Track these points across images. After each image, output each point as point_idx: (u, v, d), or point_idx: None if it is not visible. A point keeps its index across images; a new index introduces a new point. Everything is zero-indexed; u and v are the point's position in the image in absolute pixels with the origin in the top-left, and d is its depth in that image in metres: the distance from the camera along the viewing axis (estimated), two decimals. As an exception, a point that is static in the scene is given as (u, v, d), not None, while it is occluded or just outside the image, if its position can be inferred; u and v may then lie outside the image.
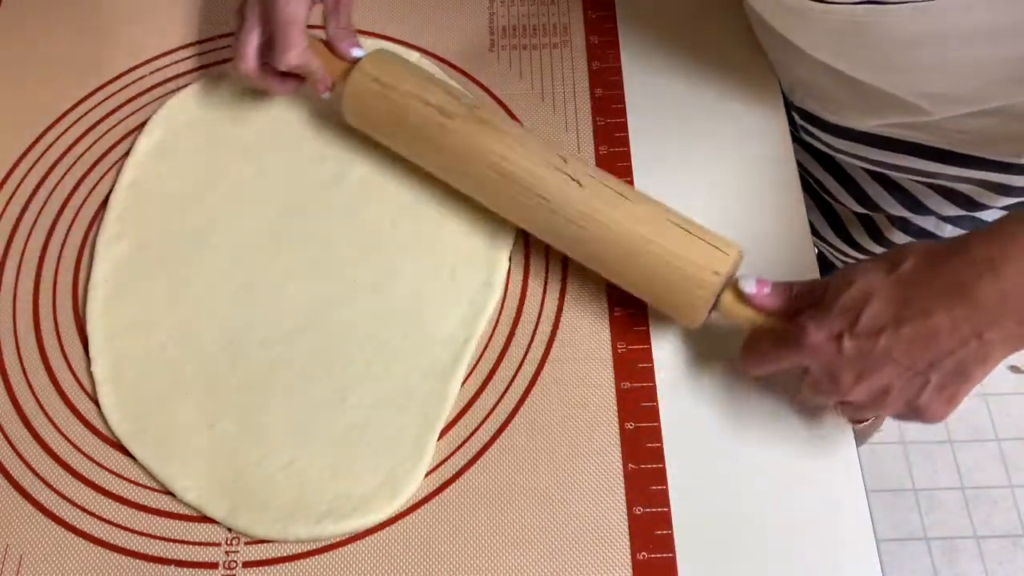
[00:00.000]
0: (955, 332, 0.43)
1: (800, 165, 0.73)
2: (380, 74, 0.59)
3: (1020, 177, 0.62)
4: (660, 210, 0.54)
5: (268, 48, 0.59)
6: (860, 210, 0.73)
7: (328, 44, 0.61)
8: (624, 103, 0.66)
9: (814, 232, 0.79)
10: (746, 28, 0.69)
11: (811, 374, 0.49)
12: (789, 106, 0.68)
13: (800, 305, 0.50)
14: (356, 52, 0.60)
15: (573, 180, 0.54)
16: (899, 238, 0.70)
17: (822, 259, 0.82)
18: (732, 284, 0.52)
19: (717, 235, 0.53)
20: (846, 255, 0.78)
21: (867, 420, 0.50)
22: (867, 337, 0.45)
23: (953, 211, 0.66)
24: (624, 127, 0.65)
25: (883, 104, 0.59)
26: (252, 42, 0.58)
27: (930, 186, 0.67)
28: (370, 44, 0.69)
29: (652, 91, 0.67)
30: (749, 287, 0.51)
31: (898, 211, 0.69)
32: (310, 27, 0.61)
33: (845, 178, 0.71)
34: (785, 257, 0.60)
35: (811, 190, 0.76)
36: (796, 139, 0.72)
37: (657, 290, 0.54)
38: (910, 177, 0.67)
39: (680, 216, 0.54)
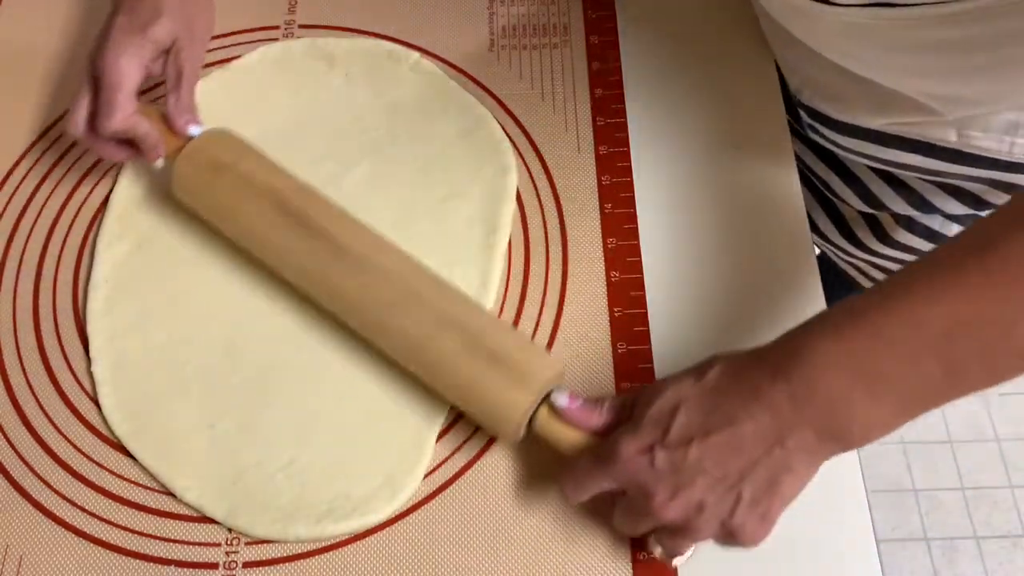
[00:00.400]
0: (759, 440, 0.43)
1: (804, 164, 0.72)
2: (216, 153, 0.57)
3: None
4: (486, 320, 0.52)
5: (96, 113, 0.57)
6: (865, 209, 0.73)
7: (166, 120, 0.59)
8: (624, 103, 0.66)
9: (818, 233, 0.79)
10: (746, 28, 0.69)
11: (627, 495, 0.47)
12: (796, 104, 0.68)
13: (615, 420, 0.48)
14: (192, 129, 0.59)
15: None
16: (904, 237, 0.70)
17: (826, 260, 0.82)
18: (547, 402, 0.49)
19: (529, 360, 0.50)
20: (851, 255, 0.78)
21: (684, 553, 0.49)
22: (677, 448, 0.44)
23: (960, 209, 0.66)
24: (624, 127, 0.65)
25: (893, 103, 0.59)
26: (82, 106, 0.57)
27: (937, 184, 0.67)
28: (371, 43, 0.69)
29: (652, 91, 0.67)
30: (561, 401, 0.49)
31: (904, 209, 0.69)
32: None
33: (850, 176, 0.71)
34: (785, 256, 0.60)
35: (815, 190, 0.76)
36: (801, 137, 0.72)
37: (469, 411, 0.52)
38: (917, 175, 0.67)
39: (500, 336, 0.51)
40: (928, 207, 0.68)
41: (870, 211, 0.73)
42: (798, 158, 0.71)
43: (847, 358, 0.42)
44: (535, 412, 0.49)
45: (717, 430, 0.43)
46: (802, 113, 0.68)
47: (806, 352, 0.42)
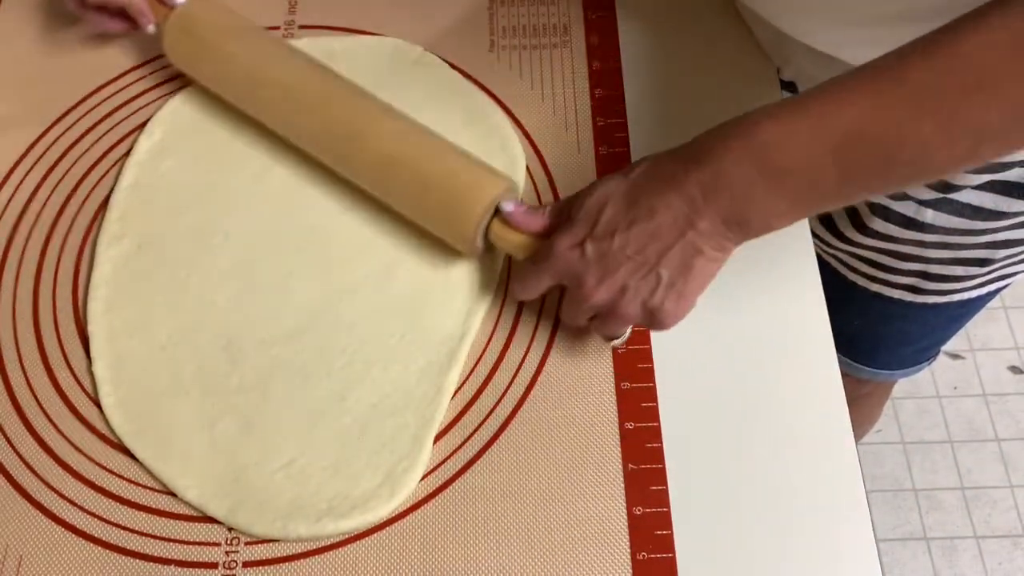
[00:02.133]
0: (674, 225, 0.48)
1: None
2: (196, 20, 0.63)
3: None
4: (444, 143, 0.58)
5: None
6: None
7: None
8: (624, 103, 0.66)
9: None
10: (746, 29, 0.69)
11: (566, 289, 0.52)
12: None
13: (555, 222, 0.53)
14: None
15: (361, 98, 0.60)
16: (881, 226, 0.70)
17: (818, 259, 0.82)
18: (497, 212, 0.55)
19: (491, 168, 0.57)
20: (832, 246, 0.78)
21: (619, 336, 0.55)
22: (603, 239, 0.49)
23: (929, 195, 0.66)
24: (624, 127, 0.65)
25: None
26: None
27: None
28: (373, 40, 0.69)
29: (652, 91, 0.67)
30: (507, 207, 0.54)
31: (877, 198, 0.69)
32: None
33: None
34: (785, 251, 0.60)
35: None
36: None
37: (429, 212, 0.57)
38: None
39: (461, 150, 0.57)
40: (898, 194, 0.68)
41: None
42: None
43: (754, 153, 0.46)
44: (489, 223, 0.55)
45: (638, 220, 0.49)
46: (783, 95, 0.68)
47: (719, 147, 0.48)
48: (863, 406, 1.05)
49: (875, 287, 0.77)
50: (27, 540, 0.52)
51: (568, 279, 0.52)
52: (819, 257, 0.82)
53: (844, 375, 0.84)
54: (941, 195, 0.66)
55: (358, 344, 0.56)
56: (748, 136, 0.47)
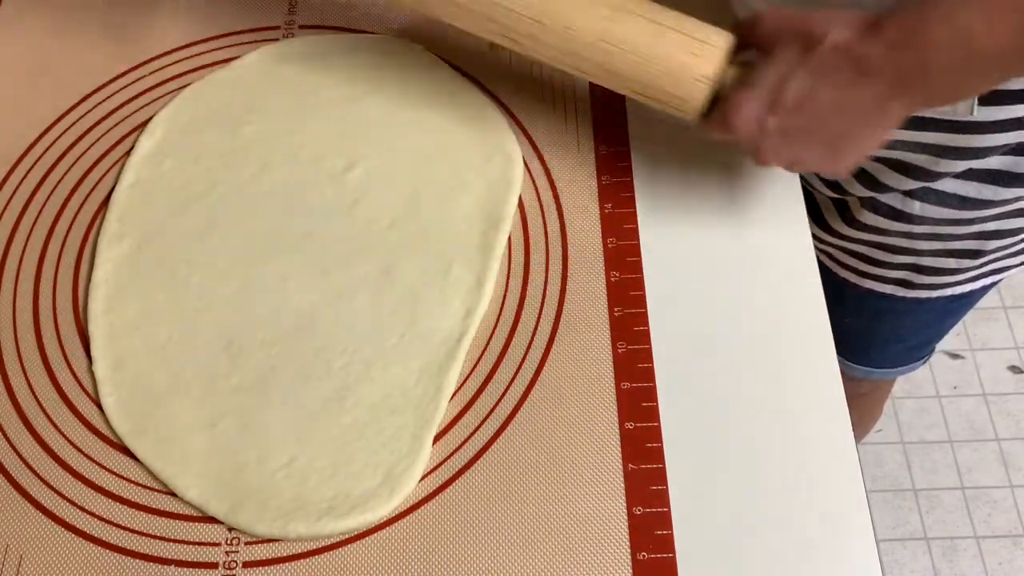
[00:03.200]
0: (863, 111, 0.49)
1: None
2: None
3: (970, 136, 0.61)
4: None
5: None
6: (831, 194, 0.73)
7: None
8: (624, 102, 0.66)
9: None
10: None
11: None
12: None
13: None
14: None
15: None
16: (869, 218, 0.70)
17: None
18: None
19: (703, 25, 0.55)
20: (822, 241, 0.78)
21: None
22: (787, 114, 0.50)
23: (911, 184, 0.66)
24: (624, 127, 0.65)
25: None
26: None
27: (884, 161, 0.66)
28: (373, 39, 0.69)
29: (652, 91, 0.67)
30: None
31: (862, 192, 0.69)
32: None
33: None
34: (786, 251, 0.60)
35: None
36: None
37: (652, 72, 0.54)
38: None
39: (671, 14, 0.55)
40: (881, 187, 0.68)
41: (834, 196, 0.73)
42: None
43: (960, 38, 0.46)
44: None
45: (825, 100, 0.49)
46: None
47: (920, 31, 0.47)
48: (861, 406, 1.05)
49: (867, 283, 0.77)
50: (27, 540, 0.52)
51: (745, 143, 0.52)
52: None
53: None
54: (924, 184, 0.66)
55: (358, 344, 0.56)
56: (951, 21, 0.46)
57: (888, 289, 0.76)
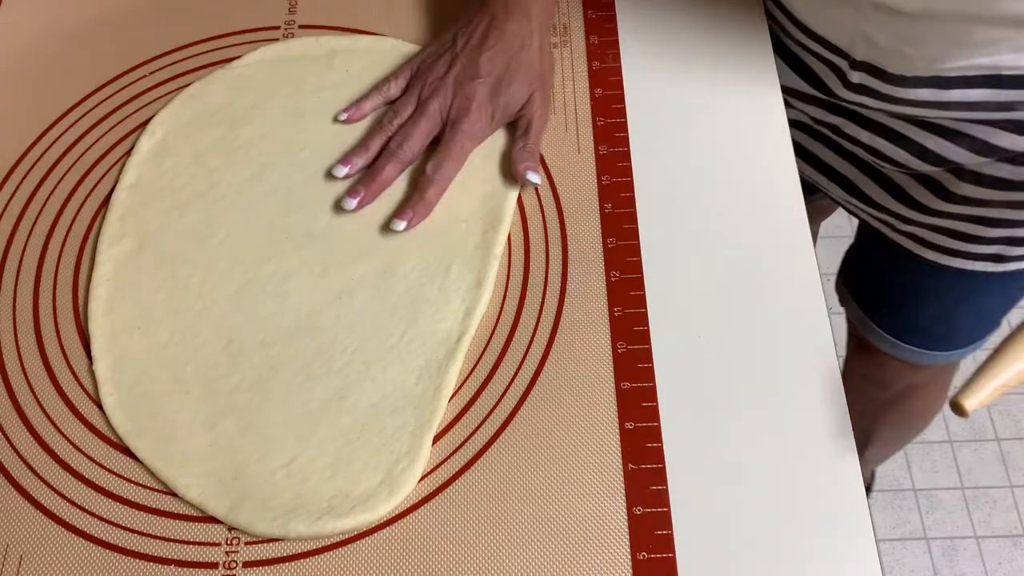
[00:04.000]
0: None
1: (846, 135, 0.70)
2: None
3: None
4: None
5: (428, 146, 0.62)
6: (923, 168, 0.69)
7: (507, 161, 0.63)
8: (624, 103, 0.66)
9: (872, 203, 0.76)
10: (748, 28, 0.69)
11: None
12: (840, 69, 0.65)
13: None
14: (532, 176, 0.61)
15: None
16: (971, 191, 0.67)
17: (873, 236, 0.79)
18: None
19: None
20: (910, 221, 0.74)
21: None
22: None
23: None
24: (624, 127, 0.65)
25: (970, 35, 0.57)
26: (422, 131, 0.61)
27: (1001, 124, 0.63)
28: (372, 40, 0.69)
29: (652, 91, 0.67)
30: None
31: (965, 159, 0.66)
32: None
33: (900, 138, 0.68)
34: (786, 253, 0.60)
35: (860, 161, 0.73)
36: (837, 108, 0.70)
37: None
38: (980, 116, 0.63)
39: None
40: (996, 151, 0.65)
41: (927, 171, 0.70)
42: (836, 131, 0.70)
43: None
44: None
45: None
46: (852, 75, 0.65)
47: None
48: (926, 395, 0.99)
49: (956, 262, 0.74)
50: (27, 540, 0.52)
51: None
52: (886, 240, 0.79)
53: (898, 364, 0.80)
54: None
55: (358, 344, 0.56)
56: None
57: (979, 266, 0.74)
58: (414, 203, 0.60)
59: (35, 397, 0.56)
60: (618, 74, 0.68)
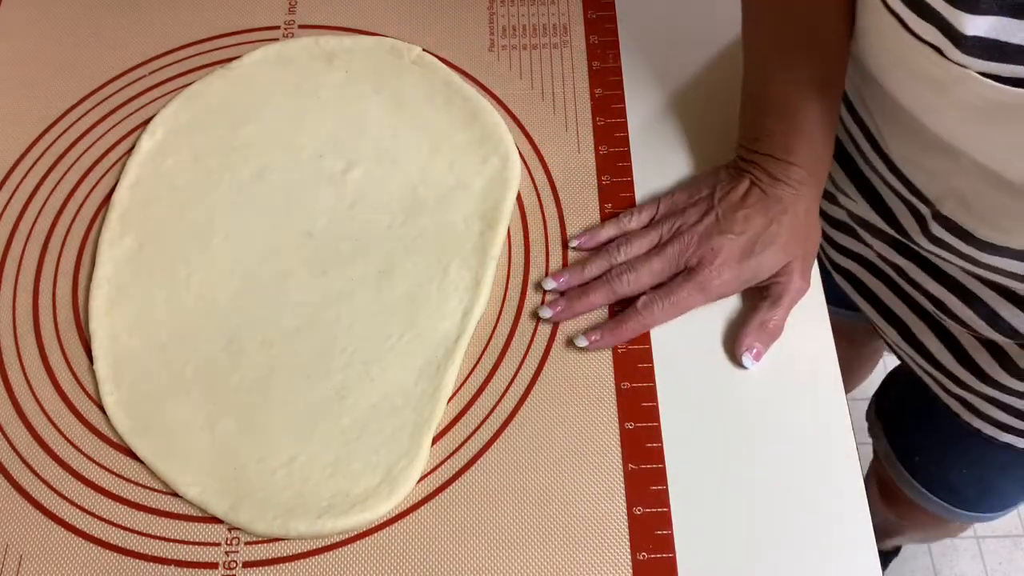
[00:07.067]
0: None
1: (911, 281, 0.65)
2: None
3: None
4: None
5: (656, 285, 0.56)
6: (991, 335, 0.62)
7: (746, 326, 0.56)
8: (624, 103, 0.66)
9: (930, 360, 0.69)
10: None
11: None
12: (923, 217, 0.59)
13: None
14: (748, 361, 0.55)
15: None
16: None
17: (921, 391, 0.72)
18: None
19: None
20: (967, 387, 0.67)
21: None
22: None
23: None
24: (624, 127, 0.65)
25: None
26: (653, 270, 0.56)
27: None
28: (372, 41, 0.69)
29: (652, 91, 0.67)
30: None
31: None
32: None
33: (971, 297, 0.61)
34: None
35: (923, 312, 0.67)
36: (907, 251, 0.64)
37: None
38: None
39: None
40: None
41: (996, 339, 0.62)
42: (902, 274, 0.65)
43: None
44: None
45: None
46: (933, 226, 0.58)
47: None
48: (946, 530, 0.95)
49: (1007, 437, 0.68)
50: (27, 540, 0.52)
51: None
52: (936, 397, 0.71)
53: (920, 509, 0.75)
54: None
55: (357, 344, 0.56)
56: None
57: None
58: (608, 328, 0.56)
59: (35, 397, 0.56)
60: (618, 74, 0.68)
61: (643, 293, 0.56)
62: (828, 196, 0.70)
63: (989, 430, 0.69)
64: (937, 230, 0.58)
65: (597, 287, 0.56)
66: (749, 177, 0.57)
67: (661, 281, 0.56)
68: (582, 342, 0.56)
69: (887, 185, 0.61)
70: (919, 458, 0.81)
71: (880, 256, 0.68)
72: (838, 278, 0.75)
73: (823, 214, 0.71)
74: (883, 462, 0.86)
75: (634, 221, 0.59)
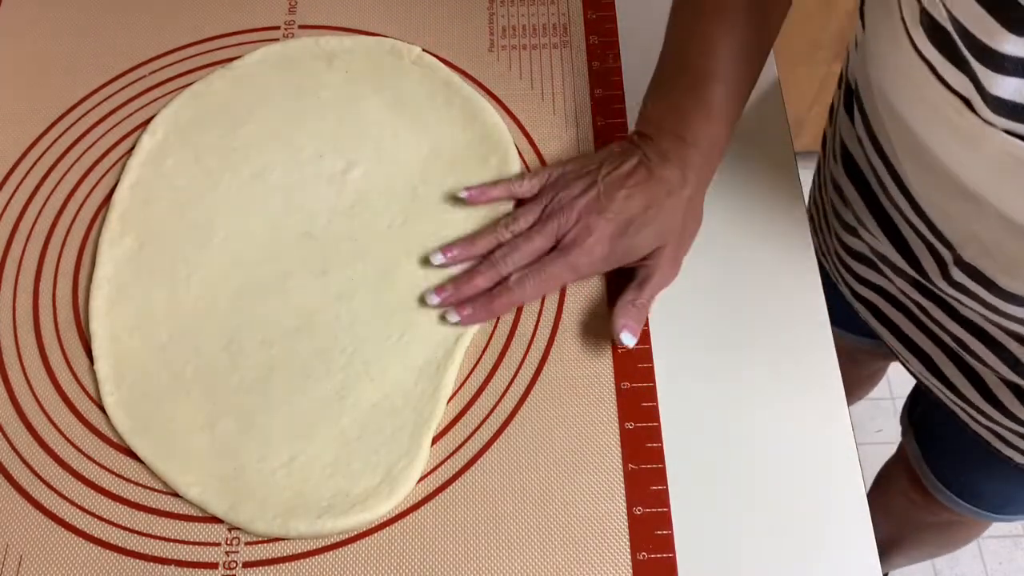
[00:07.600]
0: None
1: (936, 322, 0.64)
2: None
3: None
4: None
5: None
6: (1014, 379, 0.61)
7: (612, 310, 0.56)
8: (624, 103, 0.66)
9: (958, 395, 0.68)
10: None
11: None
12: (943, 261, 0.57)
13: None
14: (626, 338, 0.54)
15: None
16: None
17: (954, 420, 0.71)
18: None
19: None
20: (995, 421, 0.66)
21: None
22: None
23: None
24: (624, 127, 0.65)
25: None
26: (533, 248, 0.56)
27: None
28: (372, 41, 0.69)
29: (652, 91, 0.67)
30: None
31: None
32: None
33: (993, 343, 0.60)
34: (785, 253, 0.60)
35: (949, 350, 0.65)
36: (930, 295, 0.62)
37: None
38: None
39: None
40: None
41: (1018, 382, 0.61)
42: (924, 311, 0.64)
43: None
44: None
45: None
46: (954, 271, 0.57)
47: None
48: (965, 533, 0.94)
49: None
50: (27, 540, 0.52)
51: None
52: (966, 426, 0.71)
53: (940, 506, 0.75)
54: None
55: (357, 344, 0.56)
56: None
57: None
58: (480, 303, 0.56)
59: (35, 397, 0.56)
60: (618, 74, 0.68)
61: None
62: (848, 228, 0.68)
63: (1018, 457, 0.68)
64: (958, 275, 0.56)
65: (483, 271, 0.57)
66: (639, 154, 0.57)
67: (541, 256, 0.57)
68: (453, 317, 0.56)
69: (909, 224, 0.59)
70: (947, 467, 0.83)
71: (901, 291, 0.66)
72: (859, 307, 0.73)
73: (843, 244, 0.70)
74: (913, 462, 0.87)
75: (525, 186, 0.60)
